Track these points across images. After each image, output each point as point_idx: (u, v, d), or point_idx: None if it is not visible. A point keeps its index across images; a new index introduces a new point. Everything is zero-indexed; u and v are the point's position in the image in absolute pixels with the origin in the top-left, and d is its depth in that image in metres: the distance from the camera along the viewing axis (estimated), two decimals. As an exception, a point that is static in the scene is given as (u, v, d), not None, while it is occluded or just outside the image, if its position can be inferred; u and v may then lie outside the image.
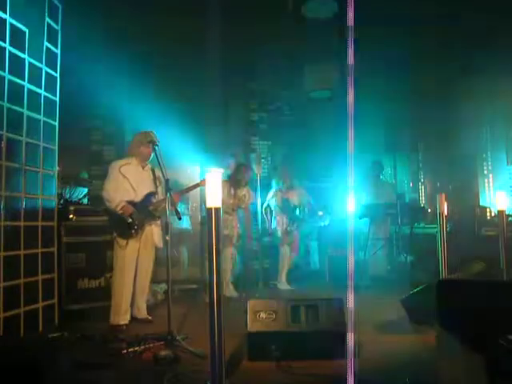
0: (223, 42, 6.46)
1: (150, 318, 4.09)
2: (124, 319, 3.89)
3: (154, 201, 4.06)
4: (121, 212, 3.88)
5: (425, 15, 5.48)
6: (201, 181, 4.26)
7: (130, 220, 3.89)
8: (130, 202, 3.94)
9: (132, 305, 4.03)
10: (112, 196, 3.91)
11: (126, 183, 3.98)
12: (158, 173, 4.08)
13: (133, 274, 3.98)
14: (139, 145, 4.03)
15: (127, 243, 3.90)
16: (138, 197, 4.00)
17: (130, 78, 6.18)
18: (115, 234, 3.94)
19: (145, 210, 3.99)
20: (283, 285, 5.89)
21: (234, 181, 5.43)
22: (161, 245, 4.13)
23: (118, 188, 3.94)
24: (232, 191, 5.37)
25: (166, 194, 3.57)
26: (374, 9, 4.93)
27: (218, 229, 2.14)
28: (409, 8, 5.34)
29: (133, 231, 3.91)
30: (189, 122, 6.77)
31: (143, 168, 4.12)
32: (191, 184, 4.39)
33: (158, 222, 4.15)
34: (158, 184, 4.13)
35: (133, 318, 4.01)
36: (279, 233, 5.95)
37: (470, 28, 5.60)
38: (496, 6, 5.02)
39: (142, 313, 4.10)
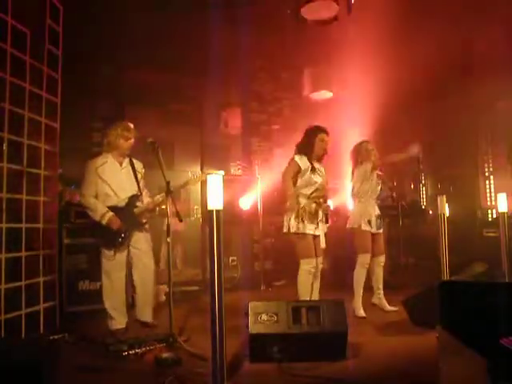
0: (222, 43, 6.47)
1: (155, 322, 3.88)
2: (121, 323, 3.79)
3: (139, 203, 3.84)
4: (107, 224, 3.67)
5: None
6: (189, 179, 3.77)
7: (117, 230, 3.69)
8: (114, 208, 3.72)
9: (136, 309, 3.91)
10: (94, 204, 3.70)
11: (106, 187, 3.72)
12: (137, 165, 3.94)
13: (124, 282, 3.80)
14: (118, 138, 3.77)
15: (114, 254, 3.70)
16: (121, 201, 3.77)
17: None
18: (100, 244, 3.76)
19: (131, 215, 3.76)
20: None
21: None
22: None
23: (97, 193, 3.72)
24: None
25: (167, 196, 3.51)
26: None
27: (219, 231, 2.15)
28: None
29: (120, 240, 3.71)
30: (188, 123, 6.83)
31: (121, 164, 3.85)
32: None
33: (146, 226, 3.93)
34: (139, 178, 3.88)
35: (137, 321, 3.89)
36: None
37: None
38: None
39: (147, 316, 3.89)
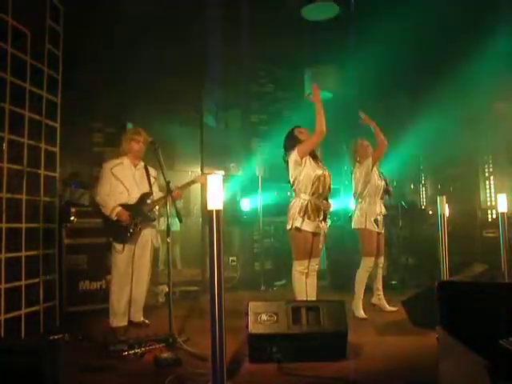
0: (223, 43, 6.47)
1: (146, 321, 3.99)
2: (122, 321, 3.85)
3: (149, 202, 3.96)
4: (116, 218, 3.79)
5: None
6: (196, 177, 4.09)
7: (126, 224, 3.81)
8: (125, 205, 3.84)
9: (129, 308, 3.94)
10: (105, 201, 3.83)
11: (120, 185, 3.88)
12: (151, 170, 4.09)
13: (130, 278, 3.89)
14: (129, 141, 3.95)
15: (124, 248, 3.82)
16: (133, 199, 3.90)
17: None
18: (111, 239, 3.87)
19: (140, 212, 3.89)
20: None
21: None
22: (157, 244, 4.17)
23: (111, 191, 3.85)
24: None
25: (167, 196, 3.58)
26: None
27: (219, 231, 2.16)
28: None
29: (129, 235, 3.83)
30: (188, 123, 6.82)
31: (135, 167, 4.01)
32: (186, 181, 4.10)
33: (154, 223, 4.08)
34: (152, 182, 4.04)
35: (129, 322, 3.92)
36: None
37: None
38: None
39: (138, 316, 3.99)
